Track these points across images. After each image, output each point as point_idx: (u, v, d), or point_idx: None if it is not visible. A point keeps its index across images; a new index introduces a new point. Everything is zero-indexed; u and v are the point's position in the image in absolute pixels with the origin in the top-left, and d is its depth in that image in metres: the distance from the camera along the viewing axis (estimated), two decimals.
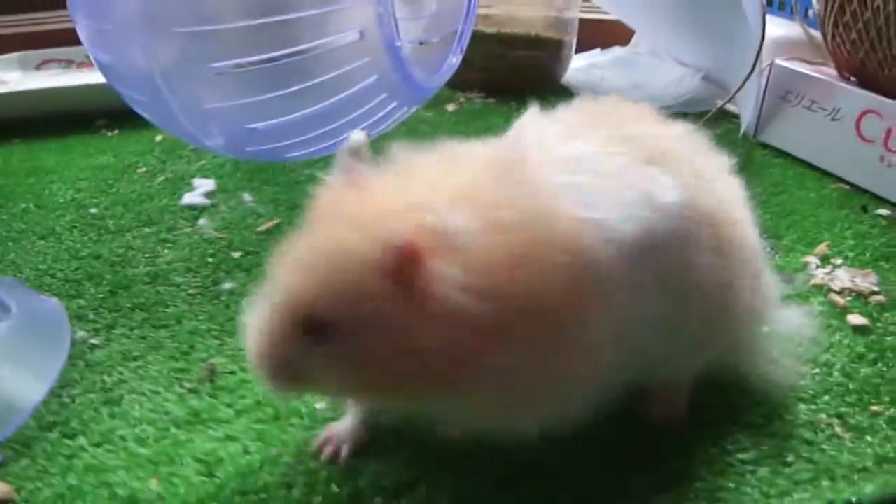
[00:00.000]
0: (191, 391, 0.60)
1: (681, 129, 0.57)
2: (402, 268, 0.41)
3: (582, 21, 1.40)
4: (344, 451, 0.53)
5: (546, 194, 0.45)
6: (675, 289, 0.49)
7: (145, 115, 0.90)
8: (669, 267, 0.49)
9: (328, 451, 0.53)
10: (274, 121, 0.80)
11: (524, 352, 0.43)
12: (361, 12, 0.76)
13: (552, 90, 1.36)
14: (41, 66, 1.39)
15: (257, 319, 0.46)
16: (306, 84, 0.77)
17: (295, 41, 0.76)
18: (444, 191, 0.44)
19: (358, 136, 0.48)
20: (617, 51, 1.51)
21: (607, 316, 0.45)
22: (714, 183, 0.53)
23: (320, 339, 0.44)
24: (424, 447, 0.54)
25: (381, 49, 0.78)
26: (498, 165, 0.46)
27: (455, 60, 0.95)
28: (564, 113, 0.55)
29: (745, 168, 1.04)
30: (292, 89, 0.77)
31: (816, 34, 1.14)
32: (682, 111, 1.25)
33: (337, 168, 0.48)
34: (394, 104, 0.85)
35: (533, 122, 0.53)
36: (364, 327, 0.43)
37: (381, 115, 0.85)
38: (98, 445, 0.55)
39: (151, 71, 0.77)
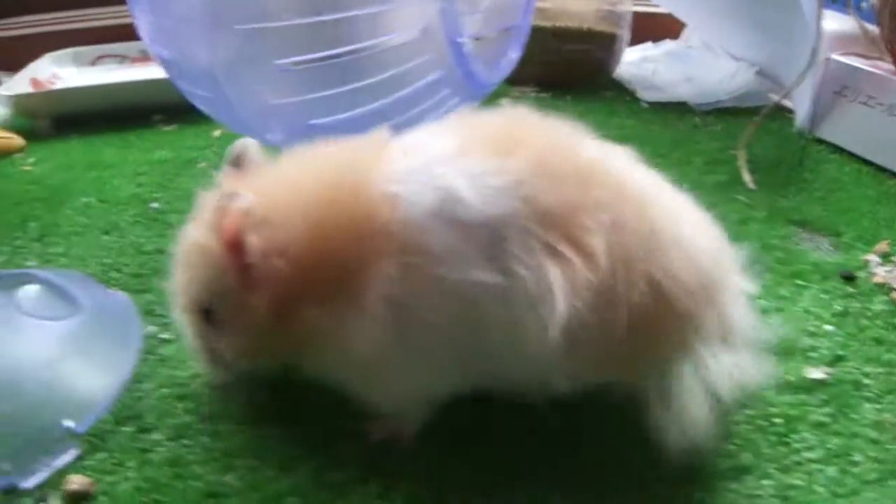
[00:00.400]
0: (266, 388, 0.60)
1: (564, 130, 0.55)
2: (232, 249, 0.50)
3: (633, 14, 1.39)
4: (406, 435, 0.55)
5: (369, 175, 0.51)
6: (492, 269, 0.48)
7: (205, 109, 0.91)
8: (482, 246, 0.48)
9: (378, 436, 0.55)
10: (335, 117, 0.80)
11: (325, 311, 0.50)
12: (425, 8, 0.76)
13: (605, 84, 1.36)
14: (96, 61, 1.40)
15: (178, 318, 0.57)
16: (368, 81, 0.77)
17: (357, 38, 0.76)
18: (272, 181, 0.54)
19: (241, 143, 0.59)
20: (668, 44, 1.50)
21: (402, 279, 0.48)
22: (579, 189, 0.49)
23: (213, 324, 0.54)
24: (505, 445, 0.54)
25: (444, 45, 0.78)
26: (342, 154, 0.54)
27: (514, 56, 0.95)
28: (448, 120, 0.58)
29: (801, 164, 1.03)
30: (354, 86, 0.77)
31: (871, 27, 1.13)
32: (736, 106, 1.24)
33: (223, 171, 0.58)
34: (455, 100, 0.85)
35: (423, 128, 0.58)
36: (227, 305, 0.53)
37: (443, 109, 0.85)
38: (173, 439, 0.55)
39: (213, 67, 0.78)
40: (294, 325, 0.51)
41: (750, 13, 1.25)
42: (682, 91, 1.28)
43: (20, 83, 1.24)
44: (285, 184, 0.53)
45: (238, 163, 0.58)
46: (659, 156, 1.02)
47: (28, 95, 1.20)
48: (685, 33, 1.51)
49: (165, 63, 0.88)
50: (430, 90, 0.81)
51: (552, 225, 0.48)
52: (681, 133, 1.14)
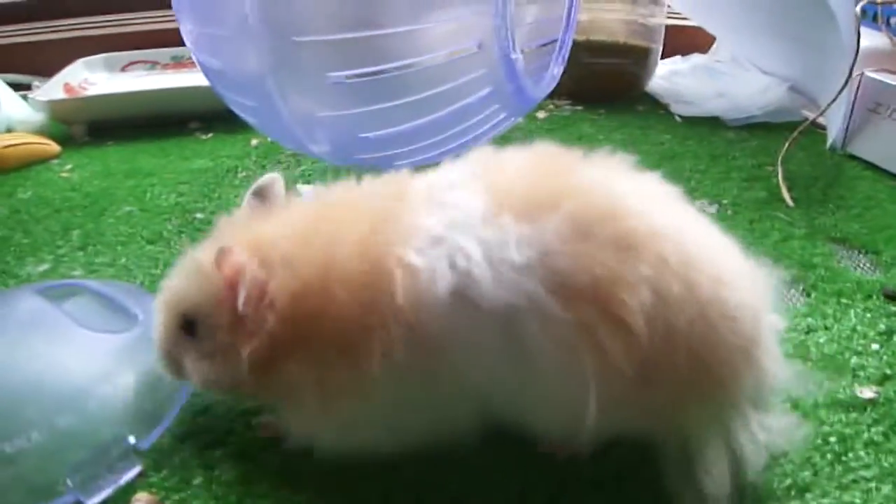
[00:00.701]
0: None
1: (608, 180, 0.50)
2: (230, 291, 0.50)
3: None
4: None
5: (386, 237, 0.48)
6: (509, 357, 0.47)
7: (250, 119, 0.91)
8: (497, 332, 0.46)
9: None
10: (385, 130, 0.80)
11: (308, 369, 0.49)
12: (479, 24, 0.76)
13: (637, 98, 1.36)
14: (126, 67, 1.41)
15: (157, 315, 0.55)
16: (420, 96, 0.77)
17: (410, 53, 0.76)
18: (289, 228, 0.52)
19: (267, 178, 0.58)
20: (696, 58, 1.49)
21: (407, 354, 0.47)
22: (620, 260, 0.45)
23: (188, 335, 0.53)
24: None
25: (496, 61, 0.78)
26: (356, 207, 0.53)
27: (557, 71, 0.95)
28: (478, 157, 0.54)
29: (835, 181, 1.03)
30: (405, 100, 0.77)
31: None
32: (768, 121, 1.24)
33: (245, 202, 0.57)
34: (503, 115, 0.85)
35: (450, 166, 0.54)
36: (211, 329, 0.52)
37: (490, 125, 0.85)
38: (238, 457, 0.55)
39: (264, 78, 0.78)
40: (273, 377, 0.50)
41: (782, 28, 1.25)
42: (714, 106, 1.27)
43: (54, 88, 1.25)
44: (298, 233, 0.52)
45: (261, 195, 0.57)
46: (697, 171, 1.03)
47: (63, 101, 1.20)
48: (714, 47, 1.50)
49: (210, 72, 0.88)
50: (481, 106, 0.81)
51: (587, 301, 0.45)
52: (717, 148, 1.13)
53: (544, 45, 0.96)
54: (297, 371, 0.49)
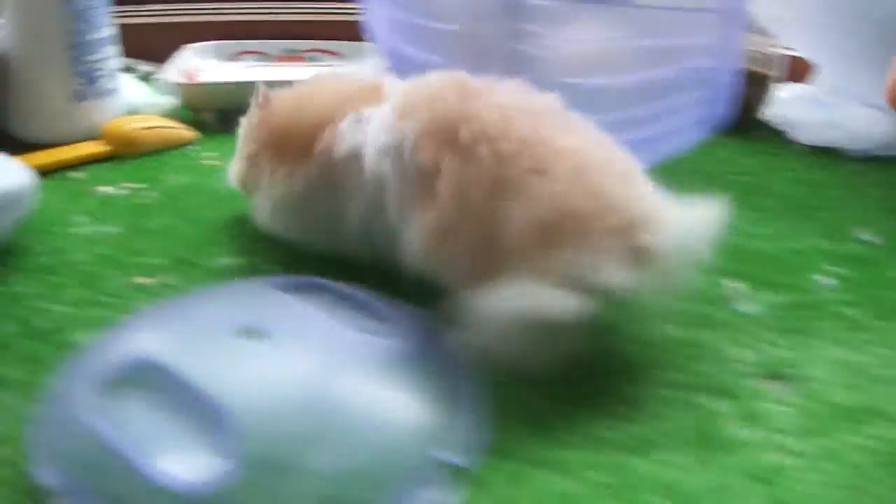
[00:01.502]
0: (623, 418, 0.58)
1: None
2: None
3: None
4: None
5: (340, 112, 0.73)
6: (378, 202, 0.69)
7: None
8: (373, 185, 0.69)
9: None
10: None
11: (268, 167, 0.77)
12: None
13: (753, 124, 1.35)
14: (236, 56, 1.38)
15: None
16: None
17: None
18: (307, 84, 0.81)
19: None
20: (798, 87, 1.49)
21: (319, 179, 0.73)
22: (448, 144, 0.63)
23: None
24: None
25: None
26: (347, 86, 0.77)
27: None
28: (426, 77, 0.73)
29: None
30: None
31: None
32: (882, 154, 1.24)
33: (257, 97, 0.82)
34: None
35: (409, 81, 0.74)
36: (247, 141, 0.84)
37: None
38: (558, 473, 0.53)
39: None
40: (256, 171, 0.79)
41: (875, 55, 1.25)
42: (831, 136, 1.27)
43: (175, 73, 1.22)
44: (307, 89, 0.80)
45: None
46: (839, 199, 1.06)
47: (199, 86, 1.19)
48: (816, 76, 1.50)
49: (411, 65, 0.86)
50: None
51: (421, 175, 0.64)
52: (847, 178, 1.15)
53: None
54: (264, 167, 0.77)
